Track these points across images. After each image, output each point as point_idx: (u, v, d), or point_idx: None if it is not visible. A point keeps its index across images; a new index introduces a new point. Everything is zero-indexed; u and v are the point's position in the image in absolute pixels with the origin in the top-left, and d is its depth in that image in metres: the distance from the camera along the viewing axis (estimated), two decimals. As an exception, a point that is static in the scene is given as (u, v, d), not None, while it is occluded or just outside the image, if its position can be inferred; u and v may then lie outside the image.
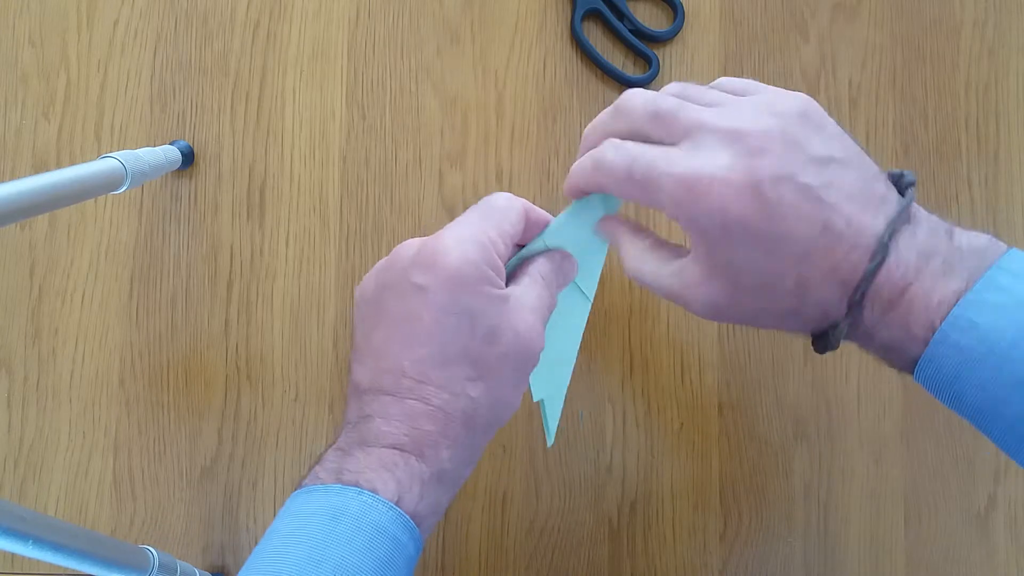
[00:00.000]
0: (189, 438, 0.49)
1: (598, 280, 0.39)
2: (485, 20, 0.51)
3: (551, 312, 0.36)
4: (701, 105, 0.32)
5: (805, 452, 0.49)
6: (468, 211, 0.35)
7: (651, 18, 0.51)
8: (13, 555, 0.48)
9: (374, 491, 0.31)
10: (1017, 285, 0.29)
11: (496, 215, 0.35)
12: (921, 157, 0.51)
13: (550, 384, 0.41)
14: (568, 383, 0.41)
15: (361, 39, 0.51)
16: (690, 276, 0.33)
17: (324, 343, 0.49)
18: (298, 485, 0.33)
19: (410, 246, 0.34)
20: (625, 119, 0.33)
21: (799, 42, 0.51)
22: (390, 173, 0.50)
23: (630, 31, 0.50)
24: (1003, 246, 0.30)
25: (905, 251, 0.30)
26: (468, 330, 0.32)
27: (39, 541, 0.31)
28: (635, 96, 0.33)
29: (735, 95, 0.33)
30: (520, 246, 0.37)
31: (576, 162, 0.35)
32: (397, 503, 0.31)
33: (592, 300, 0.39)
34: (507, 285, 0.34)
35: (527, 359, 0.34)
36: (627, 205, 0.49)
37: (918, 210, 0.31)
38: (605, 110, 0.35)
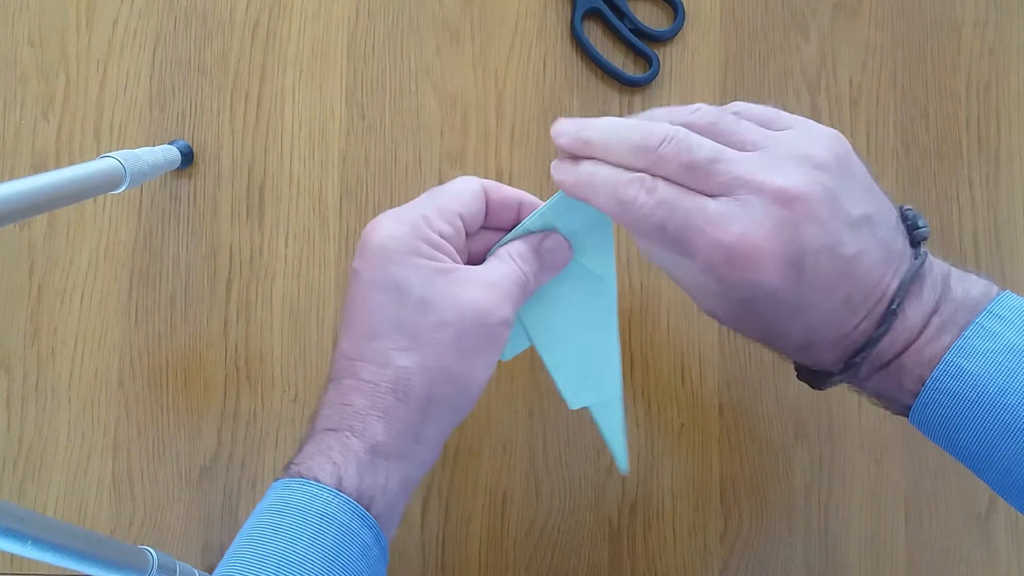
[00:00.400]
0: (188, 438, 0.49)
1: (613, 258, 0.36)
2: (485, 20, 0.51)
3: (525, 292, 0.34)
4: (734, 147, 0.30)
5: (806, 452, 0.49)
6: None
7: (651, 18, 0.51)
8: (12, 555, 0.47)
9: (315, 479, 0.30)
10: (1006, 331, 0.29)
11: (440, 195, 0.34)
12: (922, 157, 0.51)
13: (592, 388, 0.37)
14: (620, 385, 0.37)
15: (361, 39, 0.51)
16: (701, 284, 0.32)
17: (324, 343, 0.49)
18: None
19: None
20: (650, 159, 0.30)
21: (800, 42, 0.51)
22: (390, 173, 0.50)
23: (630, 31, 0.50)
24: (996, 290, 0.31)
25: (911, 314, 0.30)
26: (396, 302, 0.32)
27: (38, 541, 0.31)
28: (663, 138, 0.30)
29: (765, 128, 0.31)
30: (507, 231, 0.36)
31: (587, 171, 0.32)
32: (337, 486, 0.30)
33: (614, 280, 0.36)
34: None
35: (475, 329, 0.32)
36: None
37: (925, 259, 0.31)
38: (620, 125, 0.31)
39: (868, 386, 0.32)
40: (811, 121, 0.32)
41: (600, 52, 0.50)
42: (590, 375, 0.37)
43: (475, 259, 0.36)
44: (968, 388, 0.29)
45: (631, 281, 0.49)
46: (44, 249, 0.50)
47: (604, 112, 0.50)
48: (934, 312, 0.30)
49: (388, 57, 0.51)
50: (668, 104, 0.50)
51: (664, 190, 0.30)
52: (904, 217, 0.32)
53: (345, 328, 0.33)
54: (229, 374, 0.49)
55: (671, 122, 0.31)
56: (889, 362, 0.31)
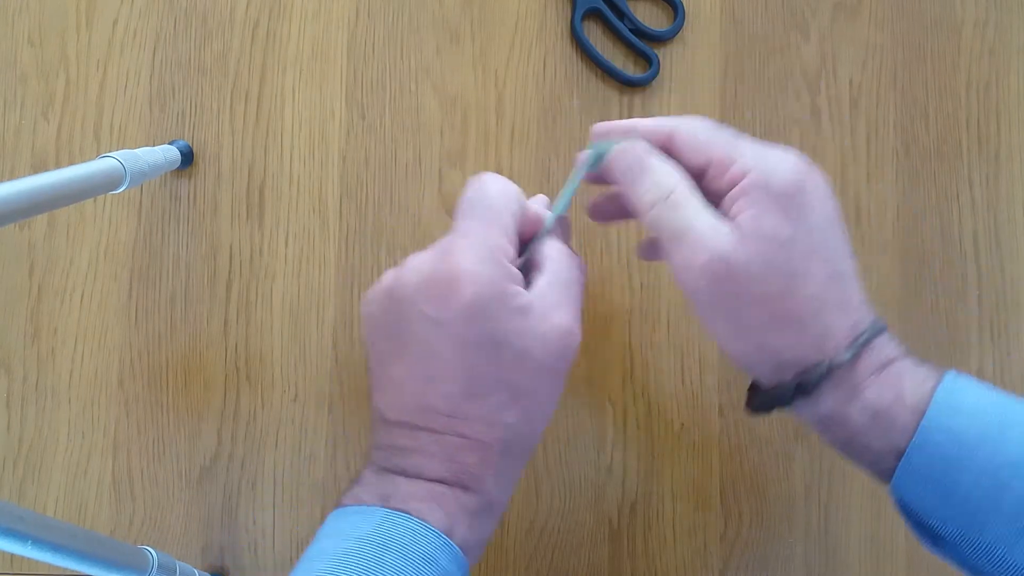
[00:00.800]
0: (188, 438, 0.49)
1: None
2: (485, 20, 0.51)
3: (582, 288, 0.34)
4: None
5: (806, 452, 0.49)
6: (464, 213, 0.33)
7: (651, 17, 0.51)
8: (12, 555, 0.47)
9: (423, 521, 0.30)
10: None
11: (495, 214, 0.32)
12: (922, 157, 0.51)
13: None
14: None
15: (361, 39, 0.51)
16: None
17: (323, 343, 0.49)
18: (338, 503, 0.32)
19: (416, 270, 0.31)
20: None
21: (800, 42, 0.51)
22: (390, 173, 0.50)
23: (630, 30, 0.50)
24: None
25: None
26: (495, 358, 0.30)
27: (38, 541, 0.31)
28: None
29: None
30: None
31: (627, 127, 0.35)
32: (448, 534, 0.30)
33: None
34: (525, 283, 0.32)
35: (562, 361, 0.32)
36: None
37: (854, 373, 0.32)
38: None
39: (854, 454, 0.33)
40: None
41: (600, 52, 0.50)
42: None
43: None
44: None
45: (631, 281, 0.49)
46: (44, 249, 0.50)
47: (604, 112, 0.50)
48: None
49: (388, 57, 0.51)
50: (668, 104, 0.50)
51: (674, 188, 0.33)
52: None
53: (428, 381, 0.31)
54: (229, 374, 0.49)
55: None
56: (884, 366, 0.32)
